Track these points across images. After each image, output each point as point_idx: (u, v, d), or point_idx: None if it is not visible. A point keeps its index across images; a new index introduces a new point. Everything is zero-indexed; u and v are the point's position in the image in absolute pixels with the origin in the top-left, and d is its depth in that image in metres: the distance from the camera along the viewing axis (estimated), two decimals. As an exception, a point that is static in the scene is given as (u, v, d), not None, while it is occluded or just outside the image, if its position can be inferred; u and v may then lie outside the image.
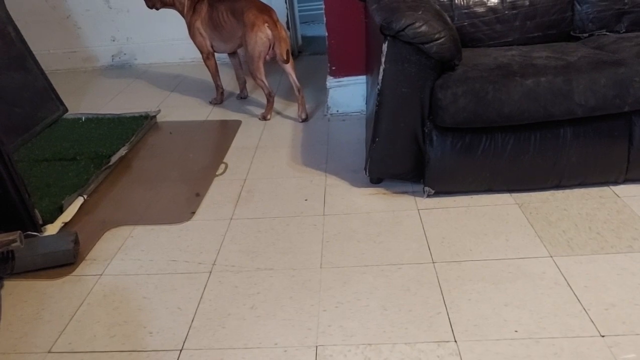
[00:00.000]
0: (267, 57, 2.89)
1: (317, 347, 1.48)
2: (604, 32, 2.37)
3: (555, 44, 2.31)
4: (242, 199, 2.27)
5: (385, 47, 1.94)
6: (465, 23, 2.40)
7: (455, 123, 1.95)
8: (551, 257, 1.75)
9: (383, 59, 1.96)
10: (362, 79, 2.89)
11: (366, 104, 2.85)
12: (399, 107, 2.01)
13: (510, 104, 1.90)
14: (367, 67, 2.80)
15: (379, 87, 2.00)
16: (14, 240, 1.87)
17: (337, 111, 2.99)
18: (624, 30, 2.36)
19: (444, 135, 2.01)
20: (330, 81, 2.93)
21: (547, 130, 1.99)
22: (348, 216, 2.07)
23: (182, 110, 3.31)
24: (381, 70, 1.97)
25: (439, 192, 2.13)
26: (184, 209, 2.21)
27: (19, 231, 1.88)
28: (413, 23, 1.85)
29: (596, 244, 1.78)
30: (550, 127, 1.98)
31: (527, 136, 1.99)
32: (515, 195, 2.10)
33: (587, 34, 2.39)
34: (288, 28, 4.05)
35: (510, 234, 1.88)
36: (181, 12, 3.12)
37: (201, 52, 3.16)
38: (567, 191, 2.09)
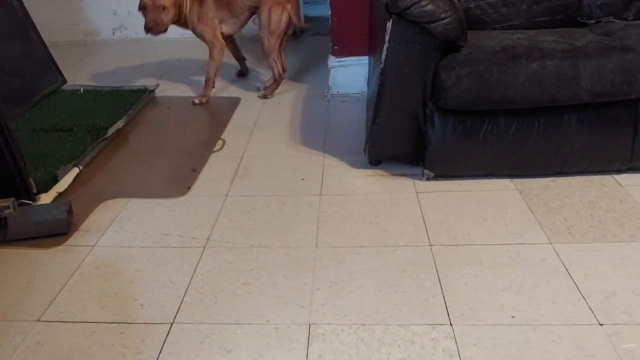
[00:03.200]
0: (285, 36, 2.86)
1: (309, 325, 1.46)
2: (612, 19, 2.32)
3: (562, 29, 2.26)
4: (239, 176, 2.24)
5: (389, 25, 1.90)
6: (471, 5, 2.35)
7: (457, 105, 1.92)
8: (551, 243, 1.72)
9: (387, 38, 1.92)
10: (364, 59, 2.84)
11: (367, 85, 2.81)
12: (401, 87, 1.98)
13: (514, 87, 1.87)
14: (369, 48, 2.76)
15: (381, 66, 1.96)
16: (6, 207, 1.85)
17: (338, 92, 2.95)
18: (631, 18, 2.31)
19: (446, 118, 1.98)
20: (332, 61, 2.89)
21: (551, 116, 1.95)
22: (345, 197, 2.04)
23: (180, 85, 3.26)
24: (384, 49, 1.93)
25: (439, 176, 2.10)
26: (179, 183, 2.19)
27: (12, 198, 1.86)
28: (419, 1, 1.82)
29: (598, 232, 1.76)
30: (554, 112, 1.95)
31: (531, 121, 1.96)
32: (516, 180, 2.07)
33: (594, 20, 2.35)
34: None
35: (510, 220, 1.85)
36: (184, 17, 2.86)
37: (213, 46, 2.92)
38: (569, 178, 2.06)
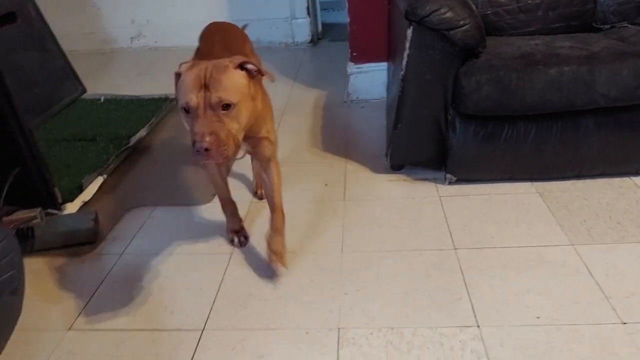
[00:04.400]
0: None
1: (339, 329, 1.49)
2: (625, 24, 2.34)
3: (577, 35, 2.28)
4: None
5: (409, 33, 1.93)
6: (489, 12, 2.38)
7: (478, 111, 1.95)
8: (572, 245, 1.74)
9: (407, 45, 1.95)
10: (383, 65, 2.87)
11: (387, 91, 2.85)
12: (422, 93, 2.01)
13: (533, 93, 1.89)
14: (388, 54, 2.79)
15: (402, 73, 1.99)
16: (34, 217, 1.89)
17: (357, 98, 2.98)
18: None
19: (467, 123, 2.00)
20: (351, 67, 2.93)
21: (569, 120, 1.97)
22: (369, 202, 2.08)
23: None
24: (405, 56, 1.96)
25: (461, 180, 2.13)
26: (204, 190, 2.22)
27: (39, 208, 1.90)
28: (438, 9, 1.84)
29: (616, 234, 1.78)
30: (572, 116, 1.97)
31: (549, 125, 1.98)
32: (536, 184, 2.09)
33: (608, 26, 2.36)
34: (308, 14, 4.04)
35: (531, 222, 1.87)
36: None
37: (274, 156, 1.77)
38: (588, 181, 2.08)
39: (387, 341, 1.44)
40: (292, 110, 2.99)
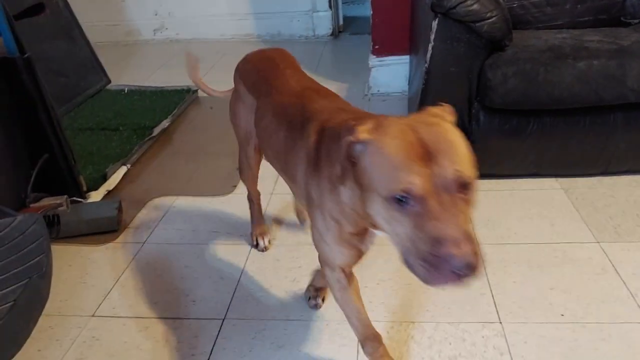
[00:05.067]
0: None
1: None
2: (656, 19, 2.29)
3: (606, 29, 2.23)
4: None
5: (435, 24, 1.91)
6: (515, 4, 2.34)
7: (504, 104, 1.92)
8: (598, 243, 1.71)
9: (432, 37, 1.92)
10: (405, 58, 2.85)
11: (409, 84, 2.82)
12: (446, 86, 1.98)
13: (561, 87, 1.86)
14: (411, 47, 2.76)
15: (426, 65, 1.97)
16: (60, 204, 1.92)
17: (378, 91, 2.96)
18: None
19: (492, 117, 1.98)
20: (373, 60, 2.91)
21: (597, 115, 1.94)
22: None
23: (222, 85, 3.32)
24: (430, 48, 1.94)
25: (484, 175, 2.08)
26: (225, 182, 2.23)
27: (66, 195, 1.93)
28: (465, 1, 1.82)
29: (646, 232, 1.75)
30: (600, 111, 1.93)
31: (576, 120, 1.95)
32: (561, 180, 2.06)
33: (637, 20, 2.31)
34: (330, 7, 4.02)
35: (555, 219, 1.84)
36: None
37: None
38: (615, 178, 2.04)
39: (409, 335, 1.43)
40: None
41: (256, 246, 1.83)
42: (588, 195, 1.96)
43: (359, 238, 1.13)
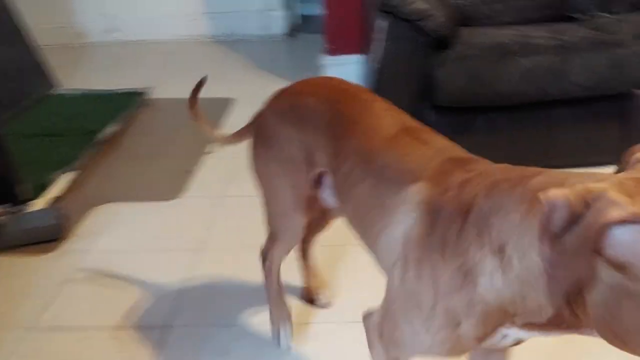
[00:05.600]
0: None
1: (308, 324, 1.46)
2: (601, 14, 2.33)
3: (553, 24, 2.26)
4: (232, 177, 2.23)
5: (382, 24, 1.90)
6: (465, 2, 2.35)
7: (451, 102, 1.93)
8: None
9: (380, 36, 1.92)
10: (359, 57, 2.84)
11: (365, 84, 2.81)
12: (397, 85, 1.98)
13: (507, 83, 1.88)
14: (364, 46, 2.76)
15: (375, 65, 1.96)
16: (-1, 214, 1.84)
17: (332, 91, 2.95)
18: (621, 13, 2.32)
19: (441, 114, 1.98)
20: (327, 60, 2.89)
21: (542, 110, 1.97)
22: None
23: (173, 87, 3.26)
24: (378, 48, 1.93)
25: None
26: (173, 186, 2.18)
27: (3, 205, 1.85)
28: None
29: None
30: (546, 106, 1.96)
31: (523, 116, 1.98)
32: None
33: (584, 15, 2.35)
34: (285, 6, 3.98)
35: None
36: None
37: None
38: (562, 171, 2.07)
39: (354, 337, 1.41)
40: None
41: (278, 339, 1.41)
42: (537, 191, 1.98)
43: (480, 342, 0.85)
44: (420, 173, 0.92)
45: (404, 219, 0.90)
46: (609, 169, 2.11)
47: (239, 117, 2.80)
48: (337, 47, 2.84)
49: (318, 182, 1.17)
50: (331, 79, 1.27)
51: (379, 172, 0.99)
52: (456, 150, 1.04)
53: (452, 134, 1.96)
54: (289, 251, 1.36)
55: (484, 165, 0.95)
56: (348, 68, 2.86)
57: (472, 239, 0.77)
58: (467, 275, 0.78)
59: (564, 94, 1.89)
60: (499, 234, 0.73)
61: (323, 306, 1.52)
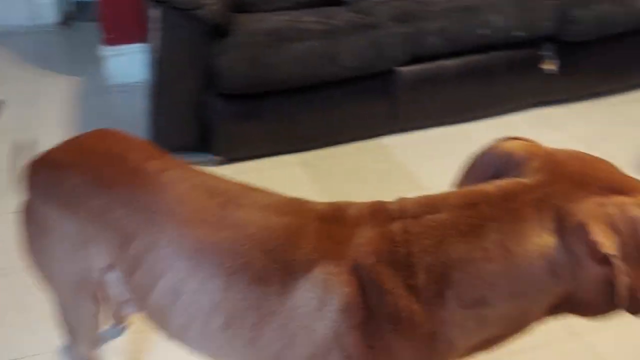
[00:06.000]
0: None
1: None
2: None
3: (323, 9, 2.40)
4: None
5: (156, 13, 1.85)
6: (239, -12, 2.39)
7: (234, 89, 1.97)
8: (333, 210, 1.88)
9: (156, 26, 1.87)
10: (141, 47, 2.72)
11: (147, 72, 2.71)
12: (177, 75, 1.96)
13: (283, 69, 1.97)
14: (145, 34, 2.65)
15: (154, 55, 1.91)
16: None
17: (117, 82, 2.79)
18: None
19: (227, 102, 2.01)
20: (106, 51, 2.72)
21: (320, 92, 2.11)
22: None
23: None
24: (156, 37, 1.89)
25: (229, 160, 2.14)
26: None
27: None
28: (181, -13, 1.80)
29: (368, 194, 1.92)
30: (322, 88, 2.10)
31: (304, 98, 2.09)
32: (300, 155, 2.19)
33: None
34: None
35: (299, 193, 1.96)
36: None
37: None
38: (345, 146, 2.25)
39: None
40: (43, 103, 2.69)
41: None
42: (323, 167, 2.13)
43: None
44: (302, 251, 0.73)
45: (323, 318, 0.71)
46: (383, 140, 2.30)
47: (11, 121, 2.52)
48: (116, 37, 2.69)
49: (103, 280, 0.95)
50: (101, 137, 1.01)
51: (232, 269, 0.76)
52: (301, 204, 0.86)
53: (242, 121, 2.04)
54: (93, 342, 1.14)
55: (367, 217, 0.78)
56: (130, 58, 2.74)
57: (434, 301, 0.69)
58: (441, 341, 0.71)
59: (336, 76, 2.04)
60: (472, 288, 0.69)
61: None
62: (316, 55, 1.98)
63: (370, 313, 0.70)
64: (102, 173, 0.91)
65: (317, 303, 0.71)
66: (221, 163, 2.13)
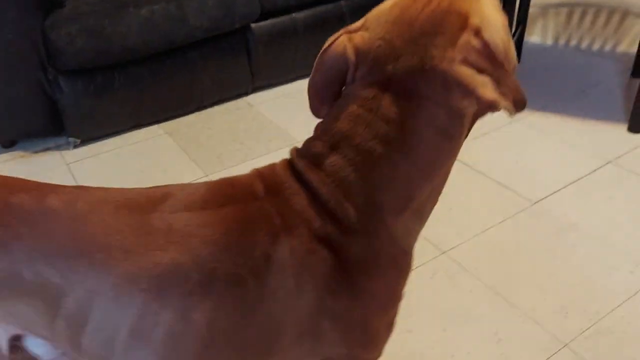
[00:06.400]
0: None
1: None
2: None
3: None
4: None
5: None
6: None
7: (79, 65, 1.82)
8: (207, 176, 1.85)
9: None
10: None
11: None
12: (10, 56, 1.76)
13: (130, 37, 1.86)
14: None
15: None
16: None
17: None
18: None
19: (72, 79, 1.86)
20: None
21: (176, 57, 2.02)
22: (-17, 193, 1.78)
23: None
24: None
25: (86, 140, 2.00)
26: None
27: None
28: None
29: (242, 154, 1.95)
30: (178, 53, 2.02)
31: (159, 66, 2.00)
32: (163, 125, 2.11)
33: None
34: None
35: (167, 165, 1.90)
36: None
37: None
38: (209, 110, 2.20)
39: None
40: None
41: None
42: (190, 133, 2.07)
43: None
44: (259, 237, 0.68)
45: (302, 292, 0.69)
46: (247, 99, 2.29)
47: None
48: None
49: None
50: None
51: (196, 290, 0.66)
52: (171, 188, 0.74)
53: (94, 97, 1.90)
54: None
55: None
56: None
57: (379, 227, 0.72)
58: (400, 257, 0.75)
59: (190, 38, 1.96)
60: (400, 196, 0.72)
61: None
62: (163, 19, 1.88)
63: (340, 269, 0.70)
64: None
65: (293, 280, 0.68)
66: (81, 144, 1.99)
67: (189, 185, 0.75)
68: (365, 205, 0.70)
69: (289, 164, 0.74)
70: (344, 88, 0.75)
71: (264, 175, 0.74)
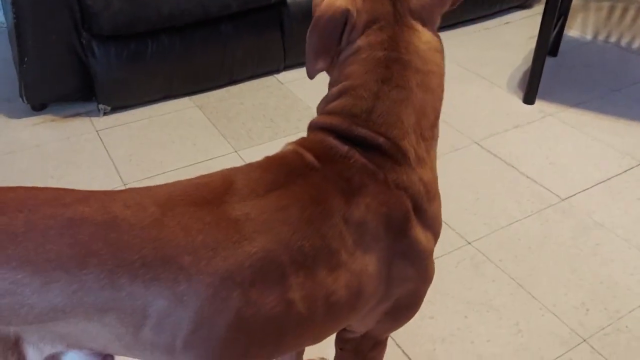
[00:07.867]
0: None
1: None
2: None
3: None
4: None
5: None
6: None
7: (114, 29, 1.81)
8: (236, 152, 1.84)
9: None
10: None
11: (5, 16, 2.40)
12: (43, 17, 1.76)
13: (168, 4, 1.84)
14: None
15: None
16: None
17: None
18: None
19: (106, 45, 1.85)
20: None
21: (209, 28, 2.00)
22: (12, 155, 1.79)
23: None
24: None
25: (116, 108, 2.00)
26: None
27: None
28: None
29: (271, 131, 1.94)
30: (211, 24, 2.00)
31: (192, 36, 1.98)
32: (194, 97, 2.10)
33: None
34: None
35: (196, 138, 1.90)
36: None
37: None
38: (240, 85, 2.18)
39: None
40: None
41: None
42: (221, 107, 2.06)
43: None
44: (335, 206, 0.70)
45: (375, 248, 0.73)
46: (278, 77, 2.27)
47: None
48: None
49: None
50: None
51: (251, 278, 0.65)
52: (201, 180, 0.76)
53: (126, 64, 1.90)
54: None
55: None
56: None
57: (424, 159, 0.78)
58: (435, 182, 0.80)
59: (224, 9, 1.94)
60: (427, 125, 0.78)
61: None
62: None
63: (410, 209, 0.74)
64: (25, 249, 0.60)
65: (372, 233, 0.72)
66: (111, 112, 1.99)
67: (235, 169, 0.77)
68: (416, 141, 0.74)
69: (322, 130, 0.76)
70: (341, 46, 0.77)
71: (306, 146, 0.76)
